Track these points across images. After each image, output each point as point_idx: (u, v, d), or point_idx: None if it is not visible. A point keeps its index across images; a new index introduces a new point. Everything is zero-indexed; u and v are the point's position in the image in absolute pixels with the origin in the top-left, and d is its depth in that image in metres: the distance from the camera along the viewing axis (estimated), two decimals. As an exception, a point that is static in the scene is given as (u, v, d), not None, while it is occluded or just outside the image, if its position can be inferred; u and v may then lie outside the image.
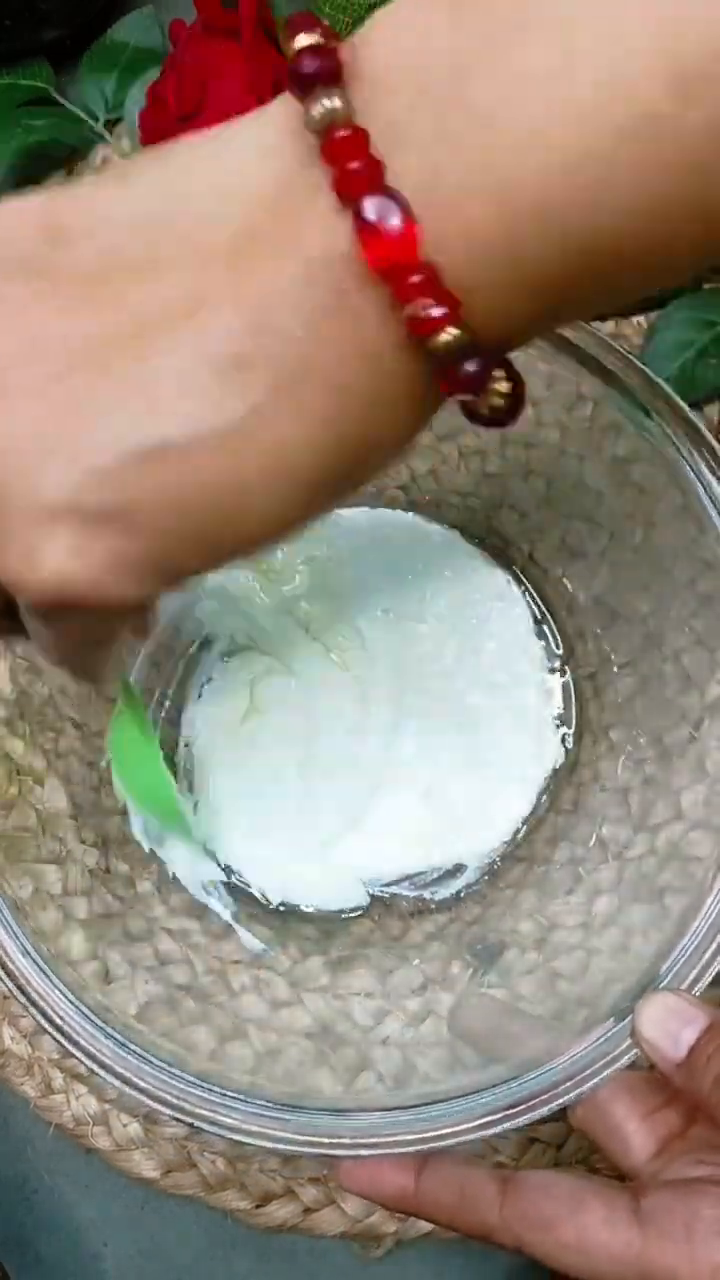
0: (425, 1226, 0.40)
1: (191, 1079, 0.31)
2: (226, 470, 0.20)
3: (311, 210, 0.18)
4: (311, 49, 0.18)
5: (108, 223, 0.20)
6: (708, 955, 0.31)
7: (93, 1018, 0.32)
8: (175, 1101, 0.31)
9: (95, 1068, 0.31)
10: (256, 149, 0.19)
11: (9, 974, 0.32)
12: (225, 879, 0.41)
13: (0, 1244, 0.42)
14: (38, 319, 0.19)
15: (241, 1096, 0.31)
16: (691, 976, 0.31)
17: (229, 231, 0.19)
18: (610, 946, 0.36)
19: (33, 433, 0.19)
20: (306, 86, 0.18)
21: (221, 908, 0.41)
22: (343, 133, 0.18)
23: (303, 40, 0.18)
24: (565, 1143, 0.41)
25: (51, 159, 0.50)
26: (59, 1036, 0.31)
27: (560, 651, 0.43)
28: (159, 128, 0.43)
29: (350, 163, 0.18)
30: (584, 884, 0.39)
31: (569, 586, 0.42)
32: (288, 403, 0.19)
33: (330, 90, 0.18)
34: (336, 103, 0.18)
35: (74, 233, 0.20)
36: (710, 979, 0.30)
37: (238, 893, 0.41)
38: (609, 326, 0.46)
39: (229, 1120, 0.30)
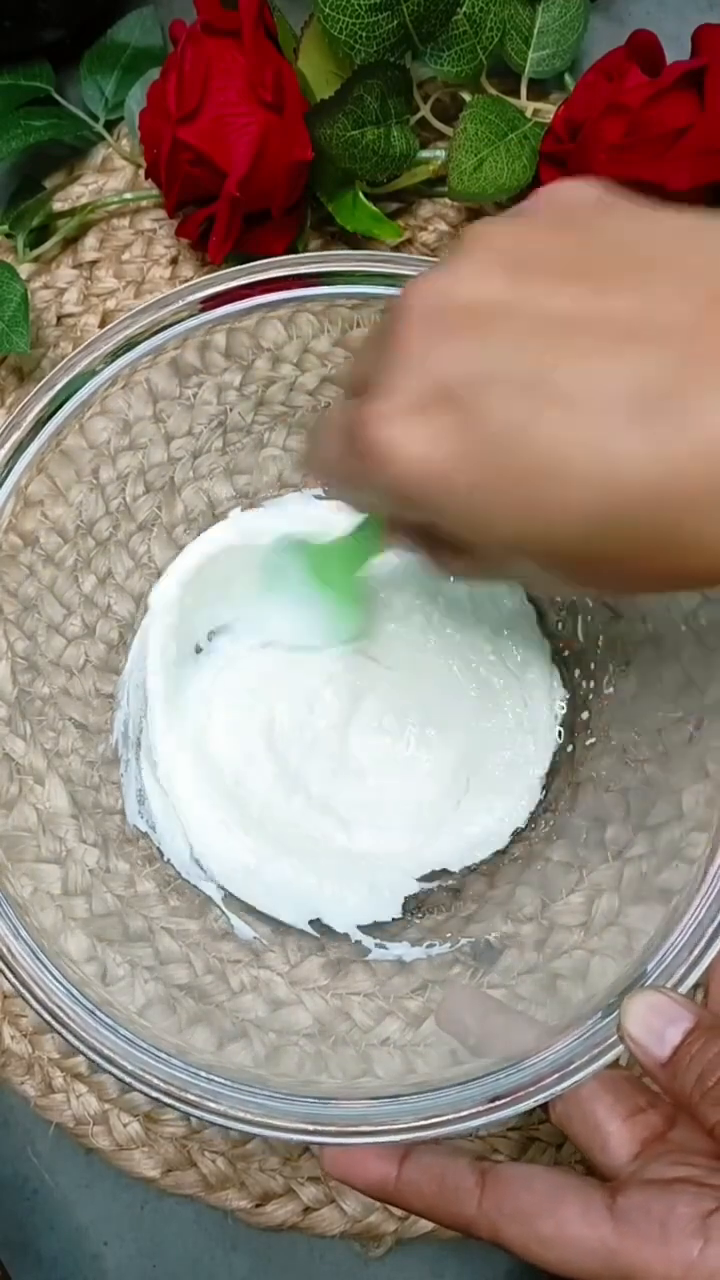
0: (425, 1226, 0.40)
1: (182, 1065, 0.31)
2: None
3: None
4: None
5: (645, 221, 0.23)
6: (695, 953, 0.31)
7: (82, 999, 0.32)
8: (163, 1085, 0.31)
9: (75, 1041, 0.31)
10: None
11: (6, 965, 0.32)
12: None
13: (0, 1244, 0.42)
14: (549, 253, 0.23)
15: (229, 1083, 0.31)
16: (678, 974, 0.31)
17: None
18: (610, 947, 0.36)
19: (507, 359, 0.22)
20: None
21: (214, 890, 0.41)
22: None
23: None
24: (565, 1142, 0.41)
25: (51, 159, 0.50)
26: (41, 1010, 0.31)
27: (561, 651, 0.43)
28: (159, 128, 0.43)
29: None
30: (584, 884, 0.39)
31: (569, 586, 0.42)
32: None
33: None
34: None
35: (620, 214, 0.24)
36: (697, 977, 0.30)
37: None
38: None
39: (215, 1106, 0.30)
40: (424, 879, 0.41)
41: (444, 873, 0.41)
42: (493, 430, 0.22)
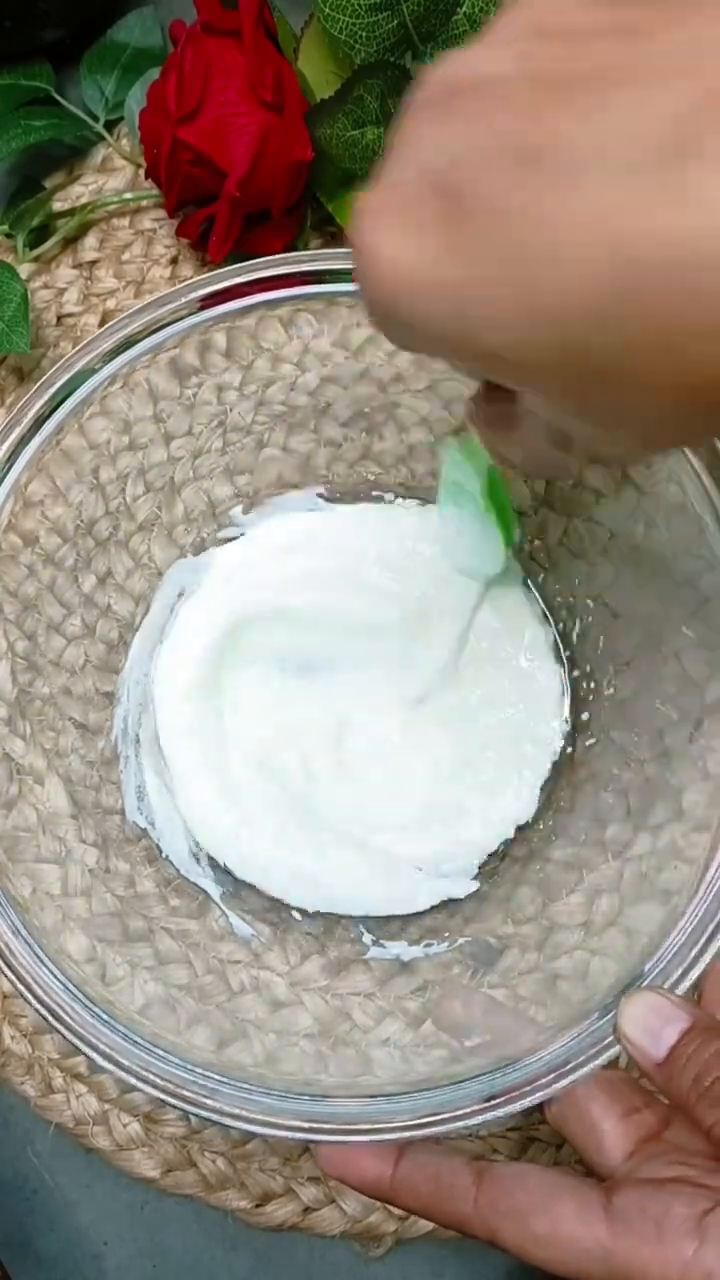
0: (425, 1226, 0.40)
1: (181, 1063, 0.31)
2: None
3: None
4: None
5: None
6: (693, 954, 0.31)
7: (82, 998, 0.32)
8: (162, 1083, 0.31)
9: (74, 1040, 0.31)
10: None
11: (6, 964, 0.32)
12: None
13: (0, 1244, 0.42)
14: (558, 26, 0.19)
15: (227, 1081, 0.31)
16: (675, 975, 0.31)
17: None
18: (611, 947, 0.36)
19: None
20: None
21: (213, 885, 0.40)
22: None
23: None
24: (565, 1142, 0.41)
25: (51, 159, 0.50)
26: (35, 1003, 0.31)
27: (561, 650, 0.43)
28: (159, 128, 0.43)
29: None
30: (584, 884, 0.39)
31: (568, 586, 0.42)
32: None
33: None
34: None
35: None
36: (695, 978, 0.30)
37: (232, 882, 0.41)
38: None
39: (213, 1104, 0.30)
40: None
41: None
42: (484, 216, 0.18)
